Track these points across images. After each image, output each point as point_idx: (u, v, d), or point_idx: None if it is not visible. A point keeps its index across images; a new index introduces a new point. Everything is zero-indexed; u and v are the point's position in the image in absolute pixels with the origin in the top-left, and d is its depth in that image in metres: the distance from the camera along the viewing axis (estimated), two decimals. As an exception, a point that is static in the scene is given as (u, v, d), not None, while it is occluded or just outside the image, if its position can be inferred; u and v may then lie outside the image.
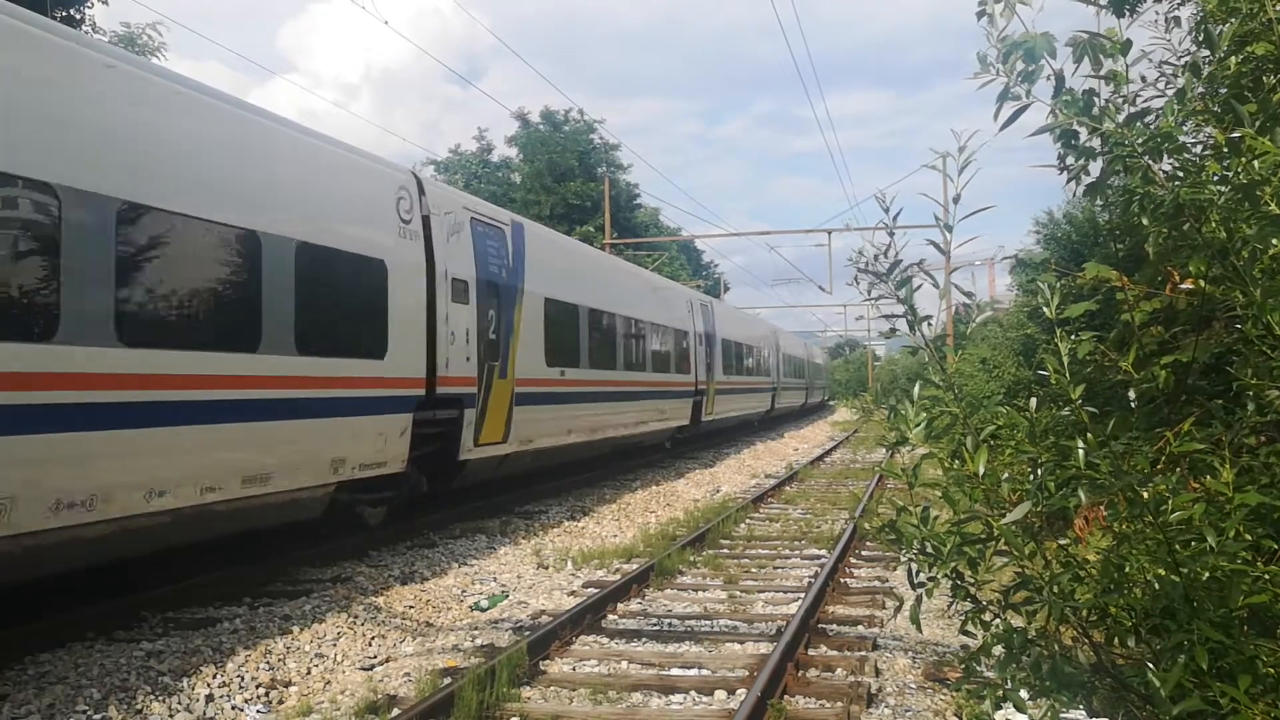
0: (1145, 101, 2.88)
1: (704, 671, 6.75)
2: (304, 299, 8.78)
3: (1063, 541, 3.02)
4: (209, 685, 6.38)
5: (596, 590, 9.07)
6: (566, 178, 45.09)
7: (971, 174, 2.85)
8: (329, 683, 6.71)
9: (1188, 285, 3.14)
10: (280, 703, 6.35)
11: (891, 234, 3.00)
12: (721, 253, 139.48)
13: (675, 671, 6.76)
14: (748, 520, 14.06)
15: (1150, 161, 2.75)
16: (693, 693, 6.33)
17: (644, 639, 7.62)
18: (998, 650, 2.81)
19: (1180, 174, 2.83)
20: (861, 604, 8.82)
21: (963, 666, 3.01)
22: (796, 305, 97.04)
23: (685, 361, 23.23)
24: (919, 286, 3.04)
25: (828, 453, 27.94)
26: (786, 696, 6.21)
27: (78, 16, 18.56)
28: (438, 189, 12.03)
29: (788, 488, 18.47)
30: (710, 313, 26.84)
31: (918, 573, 2.88)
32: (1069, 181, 2.87)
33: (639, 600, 9.04)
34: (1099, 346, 2.89)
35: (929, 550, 2.83)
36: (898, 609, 3.44)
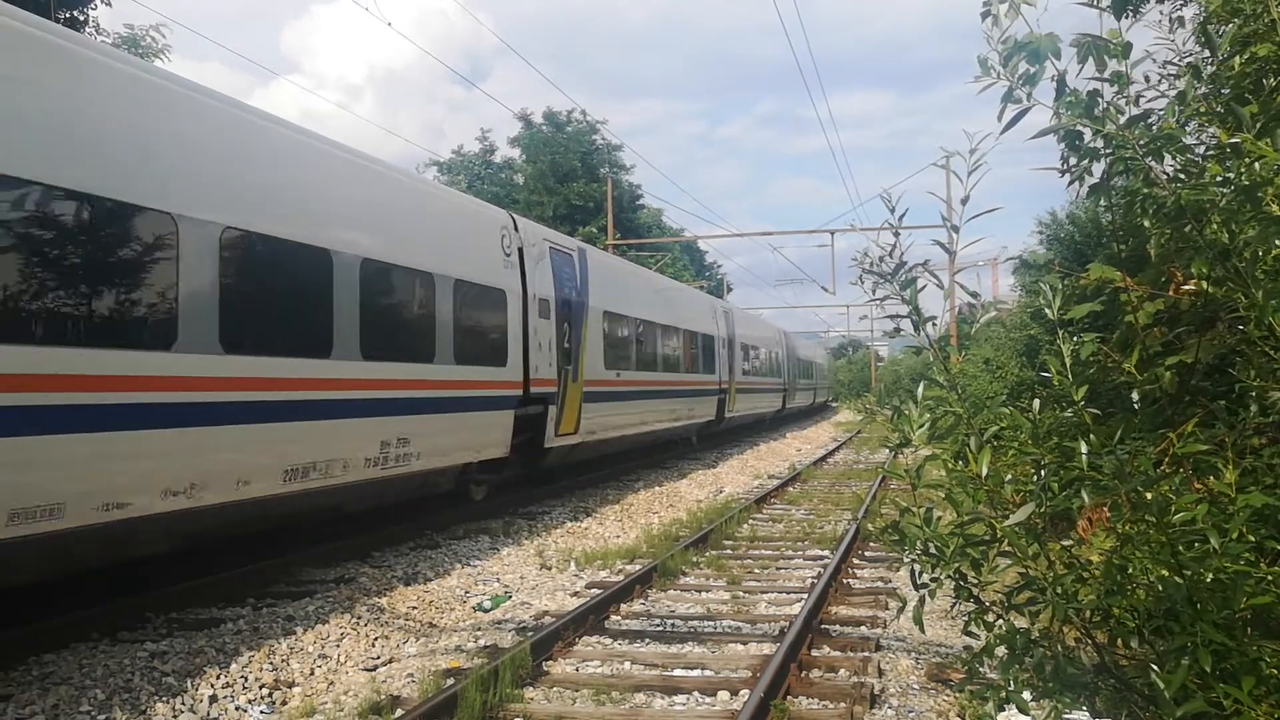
0: (1148, 103, 2.89)
1: (707, 672, 6.76)
2: None
3: (1066, 543, 3.02)
4: (213, 686, 6.39)
5: (599, 591, 9.08)
6: (569, 179, 45.13)
7: (980, 175, 2.85)
8: (332, 683, 6.72)
9: (1190, 286, 3.14)
10: (284, 703, 6.36)
11: (897, 234, 3.00)
12: (725, 253, 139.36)
13: (678, 672, 6.76)
14: (751, 521, 14.06)
15: (1152, 163, 2.75)
16: (696, 693, 6.34)
17: (647, 640, 7.63)
18: (1001, 651, 2.81)
19: (1182, 175, 2.83)
20: (864, 605, 8.82)
21: (966, 667, 3.01)
22: (800, 306, 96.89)
23: (496, 346, 13.00)
24: (924, 287, 3.04)
25: (831, 454, 27.92)
26: (790, 697, 6.21)
27: (81, 18, 18.59)
28: None
29: (791, 488, 18.46)
30: (577, 268, 16.09)
31: (921, 574, 2.88)
32: (1071, 183, 2.87)
33: (642, 601, 9.05)
34: (1102, 348, 2.89)
35: (932, 551, 2.83)
36: (901, 610, 3.45)
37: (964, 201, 2.92)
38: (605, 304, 17.33)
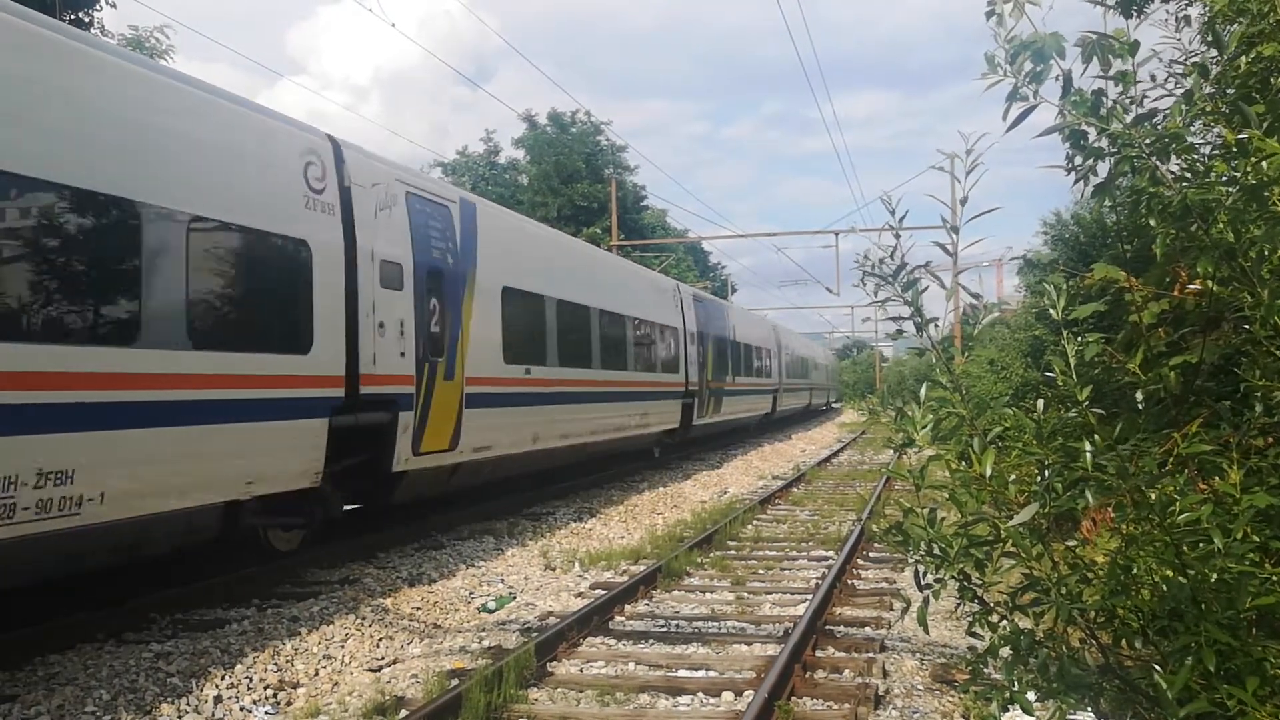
0: (1154, 102, 2.88)
1: (711, 673, 6.75)
2: None
3: (1070, 543, 3.01)
4: (217, 686, 6.40)
5: (604, 592, 9.07)
6: (573, 179, 45.11)
7: (978, 176, 2.85)
8: (337, 684, 6.72)
9: (1195, 286, 3.13)
10: (288, 704, 6.36)
11: (898, 236, 3.00)
12: (729, 254, 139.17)
13: (683, 673, 6.76)
14: (755, 521, 14.05)
15: (1158, 162, 2.74)
16: (700, 694, 6.33)
17: (651, 640, 7.62)
18: (1005, 652, 2.81)
19: (1188, 175, 2.83)
20: (869, 605, 8.80)
21: (970, 668, 3.01)
22: (805, 306, 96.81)
23: None
24: (925, 288, 3.03)
25: (835, 454, 27.89)
26: (794, 698, 6.20)
27: (86, 20, 18.64)
28: None
29: (795, 489, 18.44)
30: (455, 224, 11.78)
31: (925, 574, 2.88)
32: (1076, 182, 2.86)
33: (646, 602, 9.04)
34: (1106, 348, 2.88)
35: (936, 552, 2.82)
36: (905, 610, 3.44)
37: (963, 202, 2.92)
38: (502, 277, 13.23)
